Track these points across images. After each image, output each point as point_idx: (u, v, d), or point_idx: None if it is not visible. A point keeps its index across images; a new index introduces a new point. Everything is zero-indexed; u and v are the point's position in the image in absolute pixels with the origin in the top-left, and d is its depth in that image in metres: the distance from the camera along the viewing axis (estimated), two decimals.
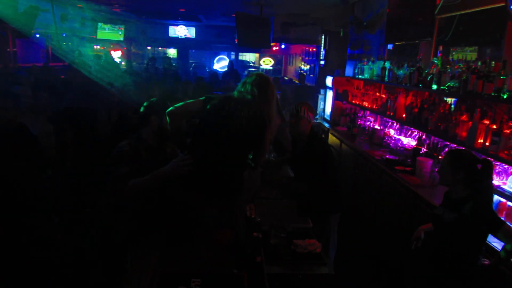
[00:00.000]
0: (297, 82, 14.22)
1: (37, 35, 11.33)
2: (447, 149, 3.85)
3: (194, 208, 2.37)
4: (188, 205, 2.38)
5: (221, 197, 2.46)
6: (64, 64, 9.96)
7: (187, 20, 13.68)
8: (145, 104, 2.58)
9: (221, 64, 17.23)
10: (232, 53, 18.46)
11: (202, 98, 2.60)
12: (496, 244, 2.41)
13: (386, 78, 5.16)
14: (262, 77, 2.72)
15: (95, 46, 13.90)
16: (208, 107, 2.55)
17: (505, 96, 2.87)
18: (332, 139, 6.29)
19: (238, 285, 1.92)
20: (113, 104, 4.31)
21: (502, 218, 2.45)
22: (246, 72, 16.69)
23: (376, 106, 5.65)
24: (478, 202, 2.23)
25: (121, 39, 13.91)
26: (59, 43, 10.68)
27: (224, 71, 12.74)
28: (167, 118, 2.54)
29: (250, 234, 2.26)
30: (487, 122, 3.15)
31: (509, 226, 2.20)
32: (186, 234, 2.30)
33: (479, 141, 3.20)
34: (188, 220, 2.36)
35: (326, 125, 6.98)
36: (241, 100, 2.56)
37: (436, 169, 3.66)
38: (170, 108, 2.55)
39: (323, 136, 6.50)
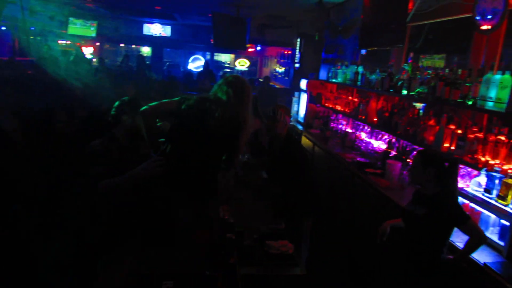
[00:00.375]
0: (272, 84, 14.33)
1: (3, 28, 10.88)
2: (415, 152, 3.98)
3: (169, 210, 2.35)
4: (162, 206, 2.36)
5: (196, 198, 2.45)
6: (32, 59, 9.61)
7: (162, 18, 13.50)
8: (116, 103, 2.53)
9: (196, 64, 17.09)
10: (208, 53, 18.35)
11: (177, 98, 2.58)
12: (455, 240, 2.55)
13: (359, 82, 5.28)
14: (238, 78, 2.75)
15: (66, 42, 13.49)
16: (183, 107, 2.53)
17: (470, 103, 3.00)
18: (305, 141, 6.37)
19: (212, 287, 1.92)
20: (76, 103, 4.18)
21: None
22: (221, 73, 16.64)
23: (348, 109, 5.77)
24: (447, 197, 2.42)
25: (93, 35, 13.54)
26: (27, 37, 10.29)
27: (199, 71, 12.66)
28: (141, 117, 2.50)
29: (223, 235, 2.26)
30: (453, 127, 3.28)
31: (473, 220, 2.38)
32: (160, 235, 2.28)
33: (445, 145, 3.33)
34: (162, 222, 2.33)
35: (300, 127, 7.06)
36: (216, 101, 2.57)
37: (405, 172, 3.79)
38: (144, 107, 2.51)
39: (296, 138, 6.58)
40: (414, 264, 2.49)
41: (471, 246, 2.33)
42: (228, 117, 2.51)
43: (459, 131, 3.17)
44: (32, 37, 11.36)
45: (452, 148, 3.21)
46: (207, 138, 2.46)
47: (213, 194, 2.55)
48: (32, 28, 11.54)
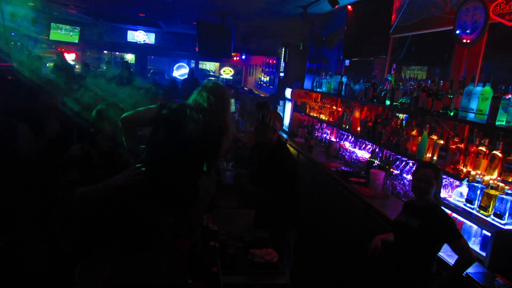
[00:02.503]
0: (257, 92, 14.37)
1: None
2: (398, 162, 4.03)
3: (149, 217, 2.29)
4: (143, 214, 2.30)
5: (177, 205, 2.40)
6: (12, 64, 9.38)
7: (146, 25, 13.42)
8: (98, 107, 2.48)
9: (180, 71, 17.03)
10: (192, 61, 18.33)
11: (157, 105, 2.52)
12: (442, 254, 2.54)
13: (343, 92, 5.34)
14: (218, 85, 2.77)
15: (46, 48, 13.24)
16: (163, 113, 2.49)
17: (451, 114, 3.05)
18: (290, 150, 6.37)
19: None
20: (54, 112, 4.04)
21: None
22: (206, 81, 16.59)
23: (332, 119, 5.82)
24: (442, 211, 2.42)
25: (76, 41, 13.36)
26: (7, 42, 10.05)
27: (184, 78, 12.61)
28: (121, 125, 2.44)
29: (206, 243, 2.21)
30: (435, 137, 3.33)
31: (465, 239, 2.34)
32: (141, 244, 2.21)
33: (428, 155, 3.37)
34: (143, 230, 2.27)
35: (285, 136, 7.08)
36: (197, 107, 2.54)
37: (388, 181, 3.82)
38: (124, 115, 2.45)
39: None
40: (404, 278, 2.46)
41: (460, 266, 2.29)
42: (210, 122, 2.48)
43: (441, 142, 3.21)
44: (12, 43, 11.12)
45: (435, 158, 3.25)
46: (188, 145, 2.42)
47: (194, 201, 2.50)
48: (12, 34, 11.29)
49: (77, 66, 13.44)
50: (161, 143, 2.44)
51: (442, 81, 3.30)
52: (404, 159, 3.87)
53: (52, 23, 12.36)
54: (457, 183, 2.97)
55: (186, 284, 1.94)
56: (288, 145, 6.49)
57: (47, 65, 11.55)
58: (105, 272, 2.13)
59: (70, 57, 14.29)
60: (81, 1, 8.96)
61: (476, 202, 2.67)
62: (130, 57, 17.76)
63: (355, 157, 4.88)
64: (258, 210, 2.98)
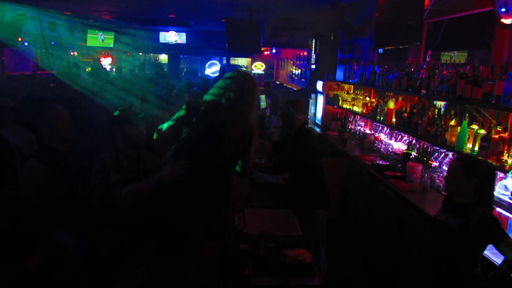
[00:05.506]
0: (289, 86, 14.25)
1: (26, 43, 11.23)
2: (437, 154, 3.84)
3: (182, 220, 2.31)
4: (176, 217, 2.32)
5: (209, 208, 2.40)
6: (53, 72, 9.86)
7: (177, 26, 13.63)
8: (116, 113, 2.52)
9: (212, 69, 17.20)
10: (224, 58, 18.44)
11: (183, 110, 2.44)
12: (488, 253, 2.39)
13: (376, 82, 5.16)
14: (241, 78, 2.49)
15: (84, 54, 13.83)
16: (192, 117, 2.45)
17: (493, 101, 2.86)
18: (311, 131, 6.26)
19: None
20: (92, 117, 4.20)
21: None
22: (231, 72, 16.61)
23: (366, 110, 5.64)
24: (486, 211, 2.23)
25: (111, 45, 13.81)
26: (47, 51, 10.59)
27: (216, 76, 12.72)
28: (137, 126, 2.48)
29: (237, 246, 2.21)
30: (476, 127, 3.14)
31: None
32: (174, 247, 2.24)
33: (468, 146, 3.19)
34: (176, 233, 2.30)
35: (318, 129, 6.96)
36: (225, 107, 2.43)
37: (426, 175, 3.65)
38: (155, 136, 2.47)
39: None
40: (445, 279, 2.33)
41: (508, 266, 2.11)
42: (239, 123, 2.42)
43: (483, 131, 3.02)
44: (52, 51, 11.69)
45: (476, 149, 3.07)
46: (219, 147, 2.39)
47: (227, 203, 2.49)
48: (52, 43, 11.86)
49: (113, 70, 13.92)
50: (192, 146, 2.42)
51: (481, 67, 3.10)
52: (443, 150, 3.68)
53: (88, 30, 12.84)
54: (502, 175, 2.78)
55: (217, 287, 1.94)
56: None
57: (86, 70, 12.06)
58: (141, 273, 2.19)
59: (106, 61, 14.80)
60: (114, 6, 9.22)
61: None
62: (163, 57, 18.14)
63: (391, 149, 4.71)
64: (285, 190, 3.15)
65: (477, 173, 2.25)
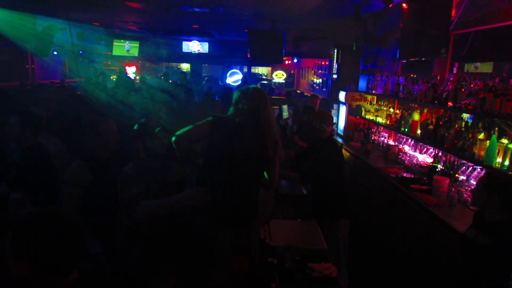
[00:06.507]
0: (309, 95, 14.22)
1: (55, 52, 11.64)
2: (464, 167, 3.78)
3: (209, 234, 2.35)
4: (203, 231, 2.37)
5: (236, 222, 2.43)
6: (80, 80, 10.20)
7: (200, 35, 13.86)
8: (135, 127, 2.61)
9: (233, 78, 17.34)
10: (245, 66, 18.59)
11: (209, 119, 2.54)
12: None
13: (400, 94, 5.12)
14: (254, 95, 2.61)
15: (109, 62, 14.20)
16: (216, 130, 2.50)
17: None
18: (345, 154, 6.23)
19: None
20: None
21: None
22: (258, 85, 16.71)
23: (390, 121, 5.60)
24: None
25: (136, 55, 14.16)
26: (76, 60, 10.95)
27: (238, 85, 12.85)
28: (174, 145, 2.53)
29: (264, 259, 2.23)
30: (505, 141, 3.09)
31: None
32: (202, 260, 2.28)
33: (498, 160, 3.13)
34: (204, 246, 2.34)
35: (340, 140, 6.93)
36: (248, 123, 2.50)
37: (453, 189, 3.59)
38: (177, 133, 2.52)
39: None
40: None
41: None
42: (262, 138, 2.46)
43: None
44: (80, 59, 12.09)
45: (506, 163, 3.01)
46: (243, 162, 2.44)
47: (253, 217, 2.52)
48: (80, 52, 12.26)
49: (137, 78, 14.25)
50: (217, 161, 2.47)
51: (511, 80, 3.05)
52: (471, 164, 3.62)
53: (114, 40, 13.21)
54: None
55: None
56: (344, 149, 6.37)
57: (111, 78, 12.40)
58: (169, 285, 2.23)
59: (131, 70, 15.16)
60: (140, 18, 9.48)
61: None
62: (185, 66, 18.44)
63: (415, 162, 4.65)
64: (309, 200, 3.17)
65: (497, 189, 2.22)
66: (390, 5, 5.23)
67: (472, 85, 3.54)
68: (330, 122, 3.46)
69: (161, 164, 2.61)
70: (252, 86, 2.70)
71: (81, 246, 1.40)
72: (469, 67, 4.68)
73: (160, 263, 2.39)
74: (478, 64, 4.64)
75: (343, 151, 6.23)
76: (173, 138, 2.51)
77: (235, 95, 2.66)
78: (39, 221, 1.33)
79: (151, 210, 2.35)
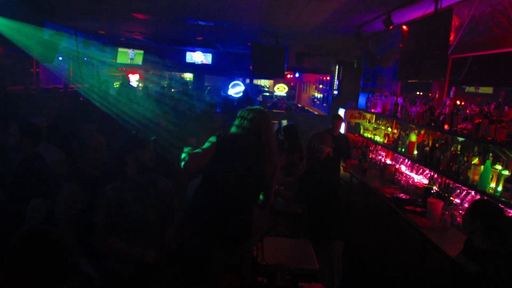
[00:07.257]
0: (310, 110, 14.32)
1: (60, 58, 11.77)
2: (458, 190, 3.80)
3: (202, 251, 2.37)
4: (195, 249, 2.39)
5: (229, 242, 2.45)
6: (84, 86, 10.29)
7: (204, 47, 14.01)
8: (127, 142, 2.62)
9: (235, 90, 17.47)
10: (247, 78, 18.73)
11: (213, 141, 2.55)
12: None
13: (398, 114, 5.17)
14: (256, 117, 2.61)
15: (113, 70, 14.32)
16: (218, 151, 2.53)
17: None
18: (342, 172, 6.25)
19: None
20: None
21: None
22: (260, 98, 16.84)
23: (387, 141, 5.64)
24: (505, 261, 2.17)
25: (140, 63, 14.29)
26: (80, 66, 11.09)
27: (239, 97, 12.95)
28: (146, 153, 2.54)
29: (255, 278, 2.25)
30: (499, 167, 3.12)
31: None
32: (193, 277, 2.30)
33: (491, 185, 3.16)
34: (195, 264, 2.36)
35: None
36: (249, 144, 2.53)
37: (447, 212, 3.62)
38: (185, 158, 2.52)
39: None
40: None
41: None
42: (259, 160, 2.49)
43: (507, 173, 3.00)
44: (84, 66, 12.22)
45: (499, 189, 3.04)
46: (240, 181, 2.46)
47: (247, 236, 2.54)
48: (84, 58, 12.39)
49: (140, 85, 14.37)
50: (214, 178, 2.50)
51: (506, 107, 3.10)
52: (465, 188, 3.65)
53: (119, 48, 13.35)
54: None
55: None
56: (341, 166, 6.39)
57: (114, 85, 12.51)
58: None
59: (134, 78, 15.28)
60: (145, 28, 9.61)
61: None
62: (189, 76, 18.59)
63: (411, 182, 4.68)
64: (303, 219, 3.18)
65: (480, 217, 2.25)
66: (391, 27, 5.31)
67: (468, 111, 3.59)
68: (329, 143, 3.49)
69: (148, 180, 2.60)
70: (256, 107, 2.74)
71: (71, 264, 1.43)
72: (469, 88, 4.74)
73: (154, 279, 2.41)
74: (477, 90, 4.70)
75: (341, 168, 6.27)
76: (182, 164, 2.51)
77: (239, 113, 2.68)
78: (30, 240, 1.37)
79: (116, 250, 2.36)
